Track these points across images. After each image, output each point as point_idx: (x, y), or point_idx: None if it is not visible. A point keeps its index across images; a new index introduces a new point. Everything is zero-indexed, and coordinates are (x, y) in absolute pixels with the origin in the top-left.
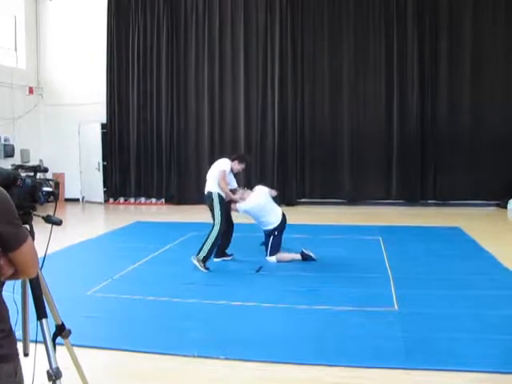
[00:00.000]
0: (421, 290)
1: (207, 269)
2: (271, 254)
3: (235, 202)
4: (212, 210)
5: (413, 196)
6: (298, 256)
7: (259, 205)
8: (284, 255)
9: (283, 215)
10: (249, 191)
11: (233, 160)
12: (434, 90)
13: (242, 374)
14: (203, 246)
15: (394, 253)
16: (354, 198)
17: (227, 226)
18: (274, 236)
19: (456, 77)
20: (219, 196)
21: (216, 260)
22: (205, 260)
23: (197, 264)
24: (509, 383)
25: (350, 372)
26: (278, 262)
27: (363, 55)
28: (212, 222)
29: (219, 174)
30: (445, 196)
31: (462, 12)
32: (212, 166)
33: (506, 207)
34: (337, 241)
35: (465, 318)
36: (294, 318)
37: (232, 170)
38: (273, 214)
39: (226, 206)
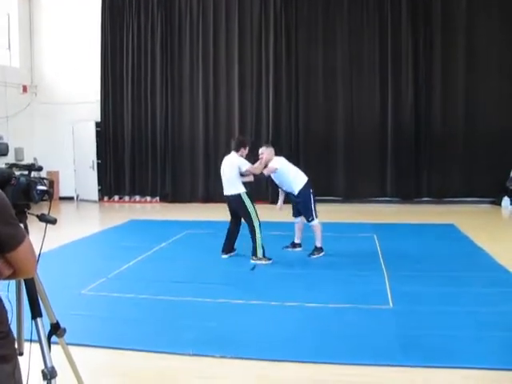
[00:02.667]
0: (415, 288)
1: (270, 259)
2: (316, 216)
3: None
4: (240, 210)
5: (407, 193)
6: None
7: (283, 164)
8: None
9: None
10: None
11: (238, 150)
12: (429, 87)
13: (239, 372)
14: (255, 246)
15: (388, 250)
16: (349, 196)
17: (236, 223)
18: (310, 194)
19: (450, 74)
20: (248, 195)
21: (225, 257)
22: (264, 254)
23: (260, 262)
24: (504, 380)
25: (345, 369)
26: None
27: (357, 53)
28: (236, 221)
29: (246, 172)
30: (439, 193)
31: (455, 6)
32: (224, 167)
33: (500, 204)
34: (331, 238)
35: (459, 315)
36: (289, 315)
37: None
38: (300, 172)
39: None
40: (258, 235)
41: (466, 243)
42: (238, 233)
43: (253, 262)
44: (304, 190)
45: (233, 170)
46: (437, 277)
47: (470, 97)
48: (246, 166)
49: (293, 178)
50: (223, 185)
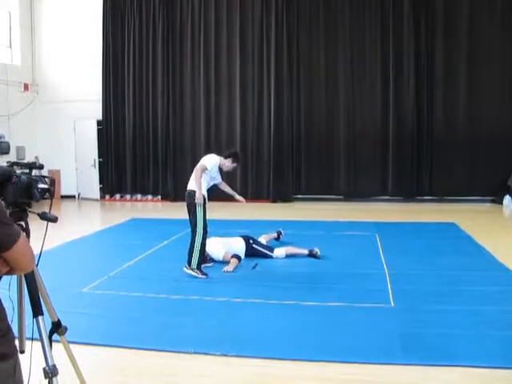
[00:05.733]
0: (417, 286)
1: (205, 274)
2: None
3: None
4: (192, 211)
5: (409, 192)
6: (306, 252)
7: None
8: (293, 249)
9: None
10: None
11: (226, 157)
12: (431, 86)
13: (239, 370)
14: (191, 255)
15: (390, 249)
16: (350, 194)
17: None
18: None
19: (452, 74)
20: (203, 198)
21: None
22: (199, 266)
23: (192, 273)
24: (504, 378)
25: (346, 368)
26: (287, 256)
27: (359, 52)
28: (190, 224)
29: (195, 171)
30: (440, 192)
31: (458, 6)
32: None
33: (501, 203)
34: (333, 237)
35: (460, 313)
36: (290, 314)
37: (221, 167)
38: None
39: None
40: (198, 247)
41: (467, 242)
42: None
43: (186, 271)
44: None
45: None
46: (438, 275)
47: (472, 96)
48: (207, 165)
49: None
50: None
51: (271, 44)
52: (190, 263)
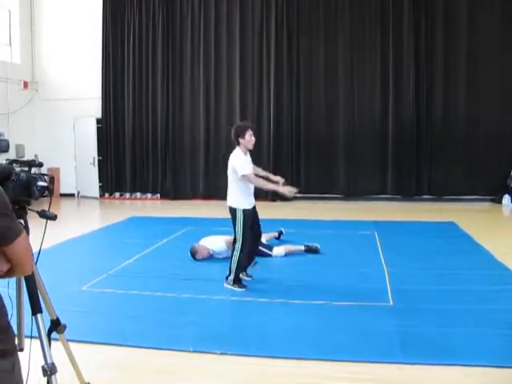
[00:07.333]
0: (416, 285)
1: (244, 287)
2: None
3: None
4: (234, 225)
5: (408, 191)
6: (302, 247)
7: None
8: (291, 247)
9: None
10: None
11: (238, 140)
12: (430, 85)
13: (239, 368)
14: (230, 268)
15: (389, 247)
16: (350, 193)
17: (253, 241)
18: None
19: (452, 72)
20: (243, 212)
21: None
22: (237, 280)
23: (231, 287)
24: (504, 377)
25: (345, 366)
26: (286, 254)
27: (359, 52)
28: (234, 236)
29: (243, 180)
30: (440, 191)
31: (457, 5)
32: (229, 167)
33: (500, 202)
34: (332, 236)
35: (459, 312)
36: (290, 312)
37: (248, 150)
38: None
39: (250, 221)
40: (236, 262)
41: (466, 241)
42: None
43: (226, 286)
44: None
45: (231, 172)
46: (437, 274)
47: (471, 94)
48: (242, 169)
49: None
50: None
51: (271, 43)
52: (228, 276)
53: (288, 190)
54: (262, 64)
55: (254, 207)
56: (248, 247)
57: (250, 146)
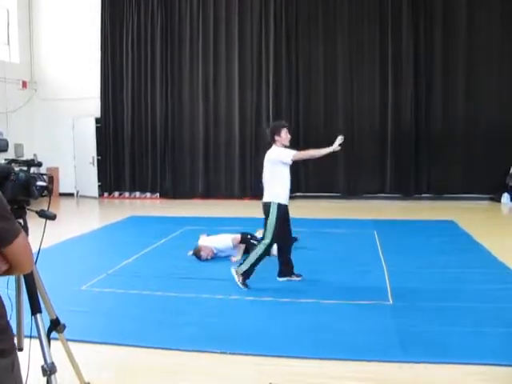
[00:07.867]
0: (415, 284)
1: (246, 286)
2: None
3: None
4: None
5: (407, 190)
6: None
7: None
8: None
9: None
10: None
11: (274, 138)
12: (429, 83)
13: (239, 368)
14: (246, 258)
15: (388, 246)
16: (349, 192)
17: (286, 242)
18: None
19: (451, 72)
20: (278, 207)
21: (281, 280)
22: (245, 275)
23: (235, 276)
24: (504, 376)
25: (345, 365)
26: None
27: (358, 51)
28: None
29: (290, 159)
30: (439, 190)
31: (456, 4)
32: (265, 165)
33: (499, 201)
34: (332, 234)
35: (459, 311)
36: (289, 311)
37: (285, 146)
38: None
39: (283, 217)
40: (257, 255)
41: (465, 239)
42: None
43: (232, 272)
44: None
45: (271, 168)
46: (436, 273)
47: (470, 93)
48: (289, 155)
49: None
50: None
51: (270, 42)
52: (239, 265)
53: (338, 144)
54: (261, 63)
55: (287, 207)
56: (283, 256)
57: (287, 143)
